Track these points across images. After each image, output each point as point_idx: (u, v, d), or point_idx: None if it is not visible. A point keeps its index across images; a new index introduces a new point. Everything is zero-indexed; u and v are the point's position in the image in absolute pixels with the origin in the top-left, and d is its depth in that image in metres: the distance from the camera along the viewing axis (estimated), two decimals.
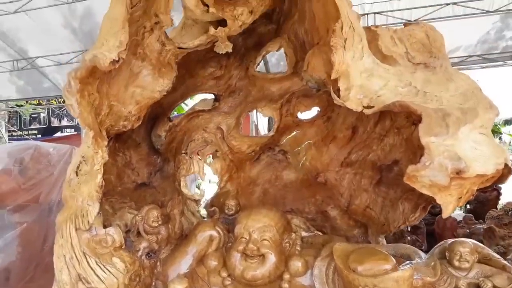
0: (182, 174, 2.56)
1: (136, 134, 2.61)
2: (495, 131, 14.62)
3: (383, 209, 2.23)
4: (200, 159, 2.67)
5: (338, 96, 1.86)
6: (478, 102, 1.74)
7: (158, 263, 2.12)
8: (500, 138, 14.97)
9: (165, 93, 2.25)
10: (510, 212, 4.07)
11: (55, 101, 12.06)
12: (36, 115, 19.11)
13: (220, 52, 2.14)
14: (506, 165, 1.68)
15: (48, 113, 18.62)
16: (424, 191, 1.66)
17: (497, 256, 1.89)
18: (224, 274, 2.05)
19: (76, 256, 1.90)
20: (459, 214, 6.97)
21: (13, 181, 3.20)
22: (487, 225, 4.47)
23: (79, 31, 7.54)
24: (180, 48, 2.20)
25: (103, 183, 1.96)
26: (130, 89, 2.18)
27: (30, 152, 3.36)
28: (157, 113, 2.59)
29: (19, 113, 16.81)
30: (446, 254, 1.86)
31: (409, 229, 5.45)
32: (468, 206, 7.97)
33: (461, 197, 1.72)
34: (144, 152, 2.69)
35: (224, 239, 2.17)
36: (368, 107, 1.85)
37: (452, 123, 1.66)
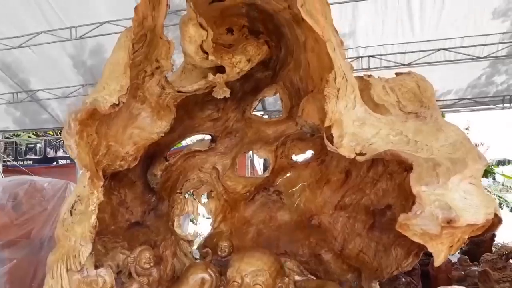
0: (176, 213, 2.58)
1: (132, 173, 2.63)
2: (489, 171, 14.75)
3: (376, 254, 2.23)
4: (195, 199, 2.69)
5: (331, 142, 1.91)
6: (467, 153, 1.79)
7: None
8: (494, 178, 15.08)
9: (163, 134, 2.30)
10: (504, 256, 4.05)
11: (52, 132, 12.11)
12: (32, 145, 19.12)
13: (218, 97, 2.21)
14: (495, 214, 1.71)
15: (45, 144, 18.64)
16: (416, 239, 1.68)
17: None
18: None
19: None
20: (454, 256, 6.92)
21: (6, 216, 3.18)
22: (482, 268, 4.44)
23: (80, 66, 7.71)
24: (179, 91, 2.28)
25: (97, 224, 1.96)
26: (129, 130, 2.23)
27: (25, 187, 3.36)
28: (153, 152, 2.62)
29: (15, 143, 16.83)
30: None
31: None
32: (463, 248, 7.93)
33: (452, 246, 1.74)
34: (139, 191, 2.70)
35: (216, 282, 2.16)
36: (361, 154, 1.90)
37: (442, 173, 1.70)
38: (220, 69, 2.26)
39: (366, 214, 2.35)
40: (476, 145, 12.92)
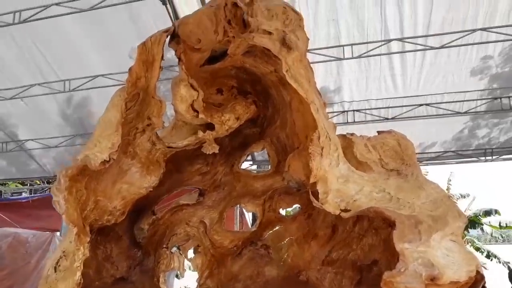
0: (161, 269, 2.55)
1: (118, 227, 2.62)
2: (477, 222, 14.81)
3: None
4: (181, 254, 2.67)
5: (317, 198, 1.97)
6: (447, 210, 1.86)
7: None
8: (482, 229, 15.10)
9: (151, 189, 2.34)
10: None
11: (38, 181, 11.95)
12: (18, 194, 18.74)
13: (207, 153, 2.27)
14: (478, 272, 1.74)
15: (30, 192, 18.29)
16: None
17: None
18: None
19: None
20: None
21: None
22: None
23: (69, 117, 7.81)
24: (169, 147, 2.34)
25: (82, 281, 1.93)
26: (118, 185, 2.26)
27: (8, 240, 3.30)
28: (141, 206, 2.63)
29: (1, 192, 16.50)
30: None
31: None
32: None
33: None
34: (125, 245, 2.67)
35: None
36: (345, 210, 1.95)
37: (424, 231, 1.75)
38: (209, 126, 2.35)
39: (353, 270, 2.35)
40: (462, 196, 13.03)
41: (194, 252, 2.73)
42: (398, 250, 1.70)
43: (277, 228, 2.80)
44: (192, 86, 2.20)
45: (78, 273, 1.92)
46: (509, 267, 6.29)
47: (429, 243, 1.71)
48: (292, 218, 2.73)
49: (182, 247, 2.74)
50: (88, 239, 2.01)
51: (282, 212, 2.77)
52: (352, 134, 2.33)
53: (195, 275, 2.81)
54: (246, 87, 2.49)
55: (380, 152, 2.24)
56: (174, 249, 2.67)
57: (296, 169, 2.22)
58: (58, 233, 3.97)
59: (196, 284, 2.69)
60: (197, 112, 2.23)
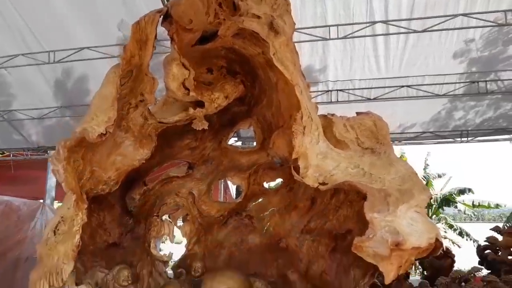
0: (152, 235, 2.73)
1: (111, 196, 2.76)
2: (451, 201, 15.42)
3: (337, 274, 2.45)
4: (171, 222, 2.85)
5: (298, 173, 2.16)
6: (414, 185, 2.07)
7: None
8: (455, 207, 15.74)
9: (144, 161, 2.49)
10: (457, 280, 4.35)
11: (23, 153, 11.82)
12: None
13: (197, 129, 2.42)
14: (437, 239, 1.98)
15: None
16: (369, 260, 1.92)
17: None
18: None
19: None
20: (416, 280, 7.23)
21: None
22: None
23: (55, 89, 7.76)
24: (161, 122, 2.48)
25: (80, 243, 2.10)
26: (112, 157, 2.40)
27: (1, 208, 3.42)
28: (133, 177, 2.78)
29: None
30: None
31: None
32: (425, 273, 8.26)
33: (401, 266, 1.98)
34: (117, 213, 2.83)
35: None
36: (323, 184, 2.15)
37: (392, 202, 1.97)
38: (199, 103, 2.49)
39: (329, 238, 2.58)
40: (438, 175, 13.51)
41: (183, 221, 2.91)
42: (368, 219, 1.91)
43: (260, 200, 3.00)
44: (183, 65, 2.32)
45: (77, 236, 2.08)
46: (478, 244, 6.70)
47: (396, 214, 1.93)
48: (275, 191, 2.93)
49: (171, 216, 2.92)
50: (86, 205, 2.16)
51: (266, 185, 2.96)
52: (332, 115, 2.51)
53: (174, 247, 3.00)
54: (235, 67, 2.62)
55: (358, 132, 2.43)
56: (164, 217, 2.84)
57: (280, 146, 2.41)
58: (48, 201, 4.10)
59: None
60: (188, 90, 2.37)
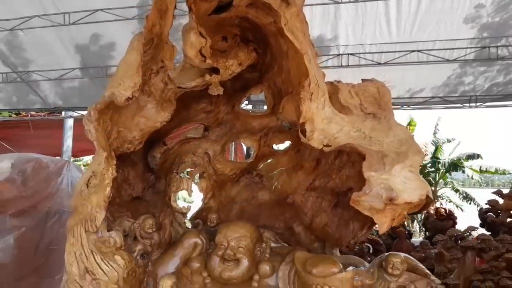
0: (172, 190, 3.02)
1: (134, 155, 3.03)
2: (458, 165, 15.59)
3: (338, 227, 2.73)
4: (189, 179, 3.13)
5: (304, 135, 2.38)
6: (409, 147, 2.28)
7: (149, 263, 2.55)
8: (463, 172, 15.92)
9: (165, 123, 2.73)
10: (453, 238, 4.65)
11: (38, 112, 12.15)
12: None
13: (213, 94, 2.63)
14: (427, 196, 2.21)
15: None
16: (366, 212, 2.18)
17: (422, 266, 2.42)
18: (204, 274, 2.50)
19: (84, 253, 2.30)
20: (418, 240, 7.60)
21: (16, 189, 3.55)
22: (438, 250, 5.05)
23: (70, 51, 7.94)
24: (179, 87, 2.69)
25: (111, 195, 2.39)
26: (136, 119, 2.64)
27: (32, 164, 3.73)
28: (154, 137, 3.03)
29: None
30: (383, 263, 2.36)
31: (370, 251, 6.00)
32: (427, 234, 8.64)
33: (394, 219, 2.23)
34: (140, 170, 3.11)
35: (206, 246, 2.63)
36: (327, 145, 2.37)
37: (388, 162, 2.19)
38: (215, 70, 2.68)
39: (332, 195, 2.84)
40: (447, 140, 13.64)
41: (200, 178, 3.19)
42: (366, 177, 2.15)
43: (270, 160, 3.24)
44: (200, 33, 2.49)
45: (108, 189, 2.36)
46: (481, 207, 6.96)
47: (391, 172, 2.15)
48: (283, 152, 3.17)
49: (189, 173, 3.20)
50: (115, 161, 2.42)
51: (275, 147, 3.20)
52: (339, 82, 2.69)
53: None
54: (248, 36, 2.78)
55: (362, 98, 2.61)
56: (182, 174, 3.11)
57: (289, 111, 2.62)
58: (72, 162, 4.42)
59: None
60: (205, 57, 2.55)
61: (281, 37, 2.55)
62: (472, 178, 16.46)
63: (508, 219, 6.14)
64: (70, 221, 2.43)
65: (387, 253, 2.47)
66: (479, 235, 4.67)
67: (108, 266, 2.30)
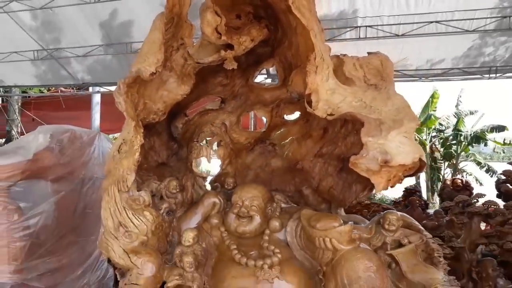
0: (193, 157, 3.34)
1: (159, 125, 3.35)
2: (481, 138, 15.38)
3: (342, 189, 3.00)
4: (208, 147, 3.44)
5: (310, 106, 2.63)
6: (405, 115, 2.50)
7: (174, 220, 2.90)
8: (485, 144, 15.72)
9: (185, 96, 3.02)
10: (460, 204, 4.84)
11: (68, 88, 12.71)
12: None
13: (228, 68, 2.89)
14: (420, 159, 2.44)
15: None
16: (363, 173, 2.43)
17: (416, 223, 2.67)
18: (222, 229, 2.84)
19: (118, 209, 2.65)
20: (431, 210, 7.80)
21: (55, 157, 3.95)
22: (449, 217, 5.26)
23: (96, 28, 8.27)
24: (198, 63, 2.95)
25: (140, 159, 2.72)
26: (160, 92, 2.94)
27: (68, 135, 4.11)
28: (176, 109, 3.34)
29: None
30: (380, 220, 2.63)
31: None
32: (444, 206, 8.77)
33: (390, 180, 2.48)
34: (164, 139, 3.43)
35: (223, 205, 2.96)
36: (331, 114, 2.61)
37: (385, 129, 2.42)
38: (229, 46, 2.92)
39: (337, 161, 3.10)
40: (470, 112, 13.46)
41: (218, 146, 3.49)
42: (363, 142, 2.39)
43: (281, 130, 3.50)
44: (216, 12, 2.73)
45: (137, 154, 2.68)
46: (498, 178, 7.06)
47: (386, 138, 2.38)
48: (294, 122, 3.42)
49: (208, 141, 3.51)
50: (142, 130, 2.74)
51: (286, 117, 3.46)
52: (344, 55, 2.89)
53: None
54: (260, 13, 3.00)
55: (365, 70, 2.81)
56: (202, 143, 3.42)
57: (297, 83, 2.85)
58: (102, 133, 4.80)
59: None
60: (220, 34, 2.79)
61: (290, 14, 2.74)
62: (494, 151, 16.23)
63: None
64: (104, 182, 2.78)
65: (385, 211, 2.72)
66: (486, 201, 4.84)
67: (138, 221, 2.65)
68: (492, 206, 4.73)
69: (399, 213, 2.69)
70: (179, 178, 3.12)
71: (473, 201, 4.83)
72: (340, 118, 2.83)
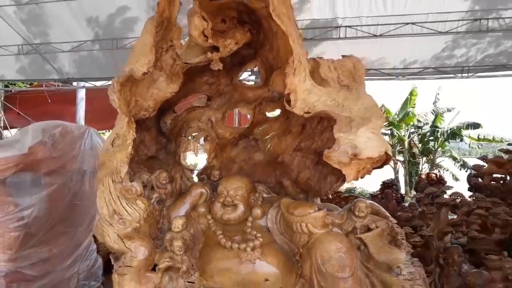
0: (181, 150, 3.57)
1: (149, 121, 3.57)
2: (457, 134, 15.99)
3: (318, 180, 3.28)
4: (195, 141, 3.68)
5: (289, 104, 2.89)
6: (373, 113, 2.79)
7: (164, 208, 3.14)
8: (461, 140, 16.35)
9: (174, 94, 3.25)
10: (430, 196, 5.21)
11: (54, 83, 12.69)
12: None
13: (214, 69, 3.13)
14: (386, 153, 2.74)
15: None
16: (335, 165, 2.72)
17: (384, 210, 2.98)
18: (209, 217, 3.09)
19: (112, 198, 2.87)
20: (406, 202, 8.19)
21: (47, 151, 4.12)
22: (421, 209, 5.63)
23: (81, 24, 8.37)
24: (185, 63, 3.18)
25: (132, 152, 2.94)
26: (150, 90, 3.16)
27: (59, 129, 4.28)
28: (165, 106, 3.56)
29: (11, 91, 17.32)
30: (351, 208, 2.93)
31: None
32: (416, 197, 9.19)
33: (359, 171, 2.77)
34: (154, 134, 3.65)
35: (210, 195, 3.21)
36: (307, 112, 2.89)
37: (354, 126, 2.71)
38: (215, 48, 3.16)
39: (314, 154, 3.37)
40: (447, 109, 13.98)
41: (204, 140, 3.73)
42: (336, 137, 2.68)
43: (263, 126, 3.74)
44: (203, 17, 2.96)
45: (130, 147, 2.90)
46: (469, 173, 7.47)
47: (356, 134, 2.67)
48: (275, 119, 3.69)
49: (195, 137, 3.74)
50: (134, 125, 2.96)
51: (268, 114, 3.72)
52: (320, 58, 3.16)
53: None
54: (244, 18, 3.24)
55: (339, 72, 3.09)
56: (189, 138, 3.65)
57: (278, 83, 3.11)
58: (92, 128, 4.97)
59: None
60: (207, 37, 3.02)
61: (271, 20, 2.99)
62: (470, 147, 16.89)
63: (492, 182, 6.67)
64: (99, 173, 3.00)
65: (356, 199, 3.02)
66: (453, 192, 5.21)
67: (131, 209, 2.87)
68: (459, 197, 5.11)
69: (368, 201, 2.99)
70: (168, 171, 3.35)
71: (441, 193, 5.19)
72: (316, 116, 3.12)
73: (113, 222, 2.86)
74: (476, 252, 5.04)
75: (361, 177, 2.91)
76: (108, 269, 5.55)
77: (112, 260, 2.93)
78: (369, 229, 2.83)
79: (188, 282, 2.69)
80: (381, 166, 2.92)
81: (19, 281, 3.97)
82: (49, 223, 4.36)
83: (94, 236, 5.26)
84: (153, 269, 2.81)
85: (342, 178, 3.12)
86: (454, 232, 4.93)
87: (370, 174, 2.91)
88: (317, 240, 2.72)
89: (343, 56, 3.25)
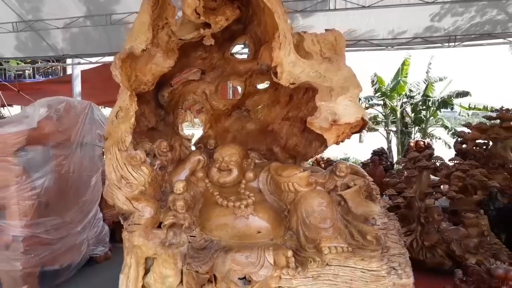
0: (179, 122, 3.87)
1: (148, 94, 3.84)
2: (448, 103, 16.29)
3: (304, 146, 3.61)
4: (191, 113, 3.98)
5: (276, 76, 3.18)
6: (351, 83, 3.08)
7: (166, 174, 3.47)
8: (452, 109, 16.68)
9: (170, 68, 3.51)
10: (412, 160, 5.57)
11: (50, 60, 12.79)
12: (21, 72, 19.67)
13: (207, 44, 3.39)
14: (362, 118, 3.05)
15: (33, 70, 19.20)
16: (317, 131, 3.04)
17: (362, 171, 3.33)
18: (206, 180, 3.43)
19: (119, 165, 3.18)
20: (394, 170, 8.59)
21: (54, 125, 4.40)
22: (406, 174, 6.01)
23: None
24: (180, 39, 3.43)
25: (135, 123, 3.23)
26: (149, 66, 3.42)
27: (64, 105, 4.55)
28: (163, 80, 3.83)
29: (5, 70, 17.38)
30: (333, 168, 3.27)
31: None
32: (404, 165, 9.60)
33: (339, 136, 3.10)
34: (153, 107, 3.93)
35: (207, 161, 3.53)
36: (293, 83, 3.17)
37: (334, 94, 3.01)
38: (207, 24, 3.40)
39: (301, 123, 3.68)
40: (439, 79, 14.30)
41: (199, 112, 4.03)
42: (317, 105, 2.98)
43: (254, 97, 4.04)
44: None
45: (133, 119, 3.19)
46: (456, 139, 7.82)
47: (335, 102, 2.98)
48: (265, 90, 3.97)
49: (192, 108, 4.04)
50: (136, 99, 3.24)
51: (258, 86, 4.01)
52: (304, 32, 3.42)
53: None
54: None
55: (322, 45, 3.35)
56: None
57: (266, 57, 3.37)
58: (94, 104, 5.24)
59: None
60: (199, 14, 3.25)
61: None
62: (460, 115, 17.24)
63: (474, 148, 7.04)
64: (106, 143, 3.30)
65: (337, 161, 3.36)
66: (434, 156, 5.59)
67: (137, 174, 3.19)
68: (439, 161, 5.48)
69: (348, 162, 3.33)
70: (168, 140, 3.66)
71: (423, 157, 5.55)
72: (302, 87, 3.41)
73: (121, 186, 3.18)
74: (458, 212, 5.46)
75: (341, 141, 3.24)
76: (112, 236, 5.98)
77: (121, 220, 3.28)
78: (348, 187, 3.17)
79: (191, 236, 3.05)
80: (359, 131, 3.24)
81: (36, 245, 4.35)
82: (59, 192, 4.71)
83: (99, 206, 5.64)
84: (159, 227, 3.17)
85: (325, 144, 3.45)
86: (434, 193, 5.33)
87: (349, 138, 3.23)
88: (302, 197, 3.07)
89: (326, 30, 3.51)
